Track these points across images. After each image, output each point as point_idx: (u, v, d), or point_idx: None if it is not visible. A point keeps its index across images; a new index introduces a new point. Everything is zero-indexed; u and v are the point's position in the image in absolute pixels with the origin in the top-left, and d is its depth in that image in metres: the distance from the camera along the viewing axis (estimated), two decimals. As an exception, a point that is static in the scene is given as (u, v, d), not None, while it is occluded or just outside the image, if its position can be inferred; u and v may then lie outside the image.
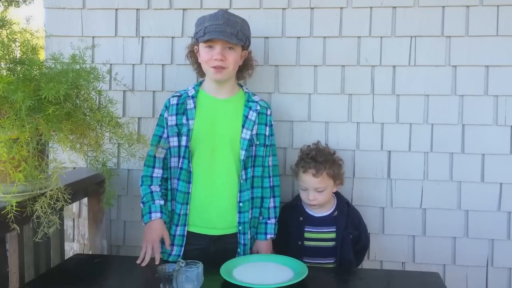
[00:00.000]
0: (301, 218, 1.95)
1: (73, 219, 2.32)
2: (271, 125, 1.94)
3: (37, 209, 1.43)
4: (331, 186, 1.94)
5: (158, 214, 1.82)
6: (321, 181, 1.89)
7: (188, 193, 1.84)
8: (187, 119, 1.84)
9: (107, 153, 1.75)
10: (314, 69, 2.16)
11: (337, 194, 2.02)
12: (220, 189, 1.84)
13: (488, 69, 2.08)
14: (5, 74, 1.49)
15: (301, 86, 2.17)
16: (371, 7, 2.11)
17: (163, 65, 2.23)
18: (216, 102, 1.88)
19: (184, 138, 1.83)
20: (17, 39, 1.56)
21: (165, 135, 1.88)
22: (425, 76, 2.11)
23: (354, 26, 2.13)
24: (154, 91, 2.23)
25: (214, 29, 1.75)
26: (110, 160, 1.81)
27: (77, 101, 1.63)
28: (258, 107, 1.90)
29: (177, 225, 1.85)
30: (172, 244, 1.85)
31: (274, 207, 1.94)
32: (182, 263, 1.45)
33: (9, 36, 1.52)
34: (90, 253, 2.18)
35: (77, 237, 2.32)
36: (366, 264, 2.13)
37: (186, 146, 1.83)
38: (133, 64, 2.24)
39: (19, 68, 1.55)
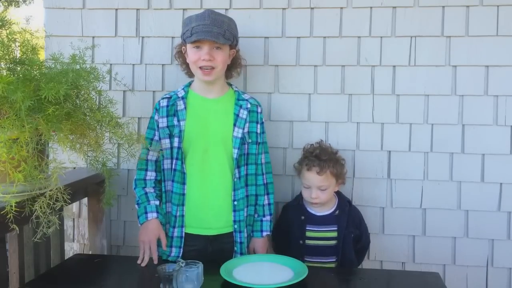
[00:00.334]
0: (302, 217, 1.96)
1: (73, 219, 2.32)
2: (262, 123, 1.94)
3: (36, 209, 1.43)
4: (334, 185, 1.94)
5: (154, 214, 1.82)
6: (324, 179, 1.90)
7: (183, 194, 1.83)
8: (178, 120, 1.84)
9: (107, 153, 1.75)
10: (314, 69, 2.16)
11: (338, 194, 2.03)
12: (214, 188, 1.84)
13: (488, 69, 2.08)
14: (5, 74, 1.49)
15: (301, 86, 2.17)
16: (371, 7, 2.11)
17: (163, 65, 2.23)
18: (207, 102, 1.88)
19: (176, 140, 1.83)
20: (17, 39, 1.56)
21: (156, 138, 1.88)
22: (425, 76, 2.11)
23: (354, 26, 2.13)
24: (154, 91, 2.23)
25: (201, 29, 1.74)
26: (110, 160, 1.80)
27: (77, 101, 1.63)
28: (249, 105, 1.90)
29: (174, 227, 1.85)
30: (170, 246, 1.85)
31: (269, 204, 1.95)
32: (182, 263, 1.46)
33: (9, 36, 1.52)
34: (90, 253, 2.18)
35: (77, 237, 2.32)
36: (366, 264, 2.13)
37: (179, 148, 1.82)
38: (133, 64, 2.24)
39: (19, 68, 1.55)
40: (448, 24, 2.08)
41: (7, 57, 1.52)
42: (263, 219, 1.94)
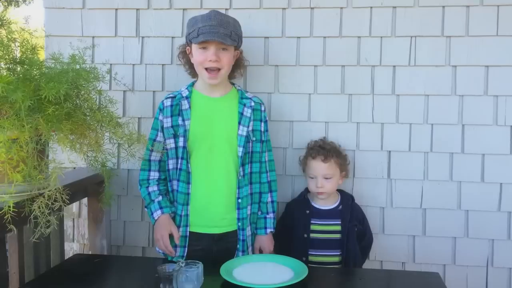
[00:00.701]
0: (307, 211, 1.99)
1: (73, 219, 2.32)
2: (265, 121, 1.96)
3: (34, 209, 1.43)
4: (338, 175, 1.99)
5: (159, 212, 1.85)
6: (329, 167, 1.95)
7: (188, 193, 1.84)
8: (183, 120, 1.84)
9: (106, 153, 1.75)
10: (314, 69, 2.16)
11: (340, 191, 2.07)
12: (219, 187, 1.85)
13: (488, 69, 2.08)
14: (5, 74, 1.49)
15: (301, 86, 2.17)
16: (371, 7, 2.11)
17: (163, 65, 2.23)
18: (211, 101, 1.89)
19: (181, 139, 1.83)
20: (17, 39, 1.56)
21: (159, 138, 1.89)
22: (425, 76, 2.11)
23: (354, 26, 2.13)
24: (154, 91, 2.23)
25: (208, 30, 1.74)
26: (110, 160, 1.80)
27: (77, 101, 1.63)
28: (253, 104, 1.91)
29: (179, 226, 1.86)
30: (175, 246, 1.86)
31: (272, 201, 1.97)
32: (182, 263, 1.45)
33: (9, 36, 1.52)
34: (90, 253, 2.18)
35: (77, 237, 2.32)
36: (366, 264, 2.13)
37: (184, 147, 1.83)
38: (133, 64, 2.24)
39: (19, 68, 1.55)
40: (448, 24, 2.08)
41: (7, 57, 1.52)
42: (267, 216, 1.95)
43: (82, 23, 2.24)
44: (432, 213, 2.15)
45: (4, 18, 1.54)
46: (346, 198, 2.04)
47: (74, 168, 2.17)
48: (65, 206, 1.52)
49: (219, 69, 1.80)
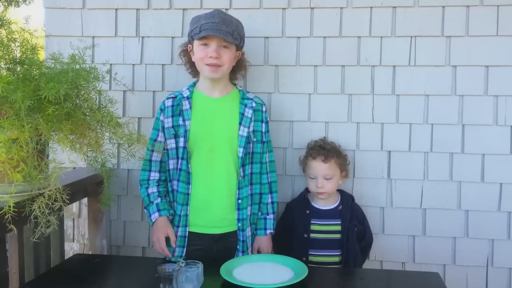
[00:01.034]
0: (307, 211, 1.99)
1: (73, 219, 2.32)
2: (267, 122, 1.96)
3: (34, 209, 1.43)
4: (338, 175, 1.99)
5: (156, 214, 1.85)
6: (329, 168, 1.95)
7: (188, 194, 1.84)
8: (184, 120, 1.84)
9: (106, 153, 1.75)
10: (314, 69, 2.16)
11: (340, 191, 2.07)
12: (219, 187, 1.85)
13: (488, 69, 2.08)
14: (5, 74, 1.49)
15: (301, 86, 2.17)
16: (371, 7, 2.11)
17: (163, 65, 2.23)
18: (212, 101, 1.89)
19: (181, 140, 1.83)
20: (16, 39, 1.56)
21: (160, 138, 1.89)
22: (425, 76, 2.11)
23: (354, 26, 2.13)
24: (154, 91, 2.23)
25: (210, 26, 1.75)
26: (109, 160, 1.80)
27: (77, 101, 1.63)
28: (254, 104, 1.91)
29: (178, 226, 1.86)
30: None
31: (272, 202, 1.96)
32: (182, 263, 1.45)
33: (9, 36, 1.52)
34: (90, 253, 2.18)
35: (77, 237, 2.32)
36: (366, 264, 2.13)
37: (184, 147, 1.83)
38: (133, 64, 2.24)
39: (19, 68, 1.55)
40: (448, 24, 2.08)
41: (7, 57, 1.52)
42: (267, 217, 1.95)
43: (82, 23, 2.24)
44: (432, 213, 2.15)
45: (4, 18, 1.54)
46: (346, 198, 2.04)
47: (74, 168, 2.17)
48: (65, 206, 1.52)
49: (219, 66, 1.80)
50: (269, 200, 1.96)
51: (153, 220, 1.85)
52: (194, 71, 1.94)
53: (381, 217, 2.18)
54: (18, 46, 1.57)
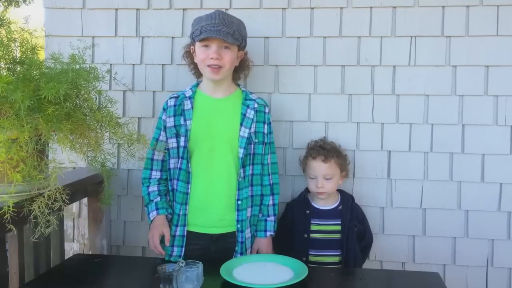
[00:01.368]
0: (307, 211, 1.99)
1: (73, 219, 2.32)
2: (269, 123, 1.95)
3: (34, 209, 1.43)
4: (338, 175, 1.99)
5: (154, 212, 1.86)
6: (329, 168, 1.95)
7: (187, 193, 1.84)
8: (185, 120, 1.84)
9: (105, 153, 1.75)
10: (314, 69, 2.16)
11: (340, 191, 2.07)
12: (219, 188, 1.85)
13: (488, 69, 2.08)
14: (4, 74, 1.49)
15: (301, 86, 2.17)
16: (371, 7, 2.11)
17: (163, 65, 2.23)
18: (213, 102, 1.89)
19: (182, 139, 1.84)
20: (16, 39, 1.56)
21: (162, 138, 1.89)
22: (425, 76, 2.11)
23: (354, 26, 2.13)
24: (154, 91, 2.23)
25: (211, 28, 1.75)
26: (109, 160, 1.80)
27: (77, 101, 1.63)
28: (256, 105, 1.90)
29: (176, 226, 1.86)
30: (172, 245, 1.86)
31: (273, 204, 1.95)
32: (182, 263, 1.45)
33: (9, 36, 1.52)
34: (90, 253, 2.18)
35: (77, 237, 2.32)
36: (366, 264, 2.13)
37: (185, 147, 1.83)
38: (133, 64, 2.24)
39: (18, 68, 1.55)
40: (448, 24, 2.08)
41: (7, 57, 1.52)
42: (268, 219, 1.94)
43: (82, 23, 2.24)
44: (432, 213, 2.15)
45: (4, 18, 1.54)
46: (346, 198, 2.04)
47: (74, 168, 2.18)
48: (65, 206, 1.52)
49: (220, 67, 1.80)
50: (270, 202, 1.95)
51: (151, 218, 1.86)
52: (198, 72, 1.94)
53: (381, 217, 2.18)
54: (18, 46, 1.57)
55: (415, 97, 2.12)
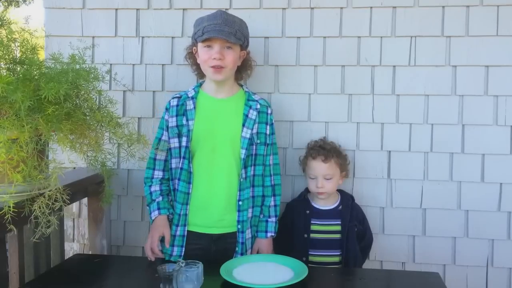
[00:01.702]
0: (307, 211, 1.99)
1: (73, 219, 2.32)
2: (271, 124, 1.95)
3: (35, 209, 1.43)
4: (338, 175, 2.00)
5: (156, 212, 1.86)
6: (329, 167, 1.96)
7: (188, 193, 1.84)
8: (187, 120, 1.84)
9: (106, 153, 1.75)
10: (314, 69, 2.16)
11: (340, 191, 2.07)
12: (220, 188, 1.84)
13: (488, 69, 2.08)
14: (4, 74, 1.49)
15: (301, 86, 2.17)
16: (371, 7, 2.11)
17: (163, 65, 2.23)
18: (216, 102, 1.89)
19: (184, 139, 1.84)
20: (16, 39, 1.56)
21: (165, 138, 1.89)
22: (425, 76, 2.11)
23: (354, 26, 2.13)
24: (154, 91, 2.23)
25: (213, 28, 1.75)
26: (109, 160, 1.81)
27: (77, 101, 1.63)
28: (258, 106, 1.90)
29: (177, 225, 1.86)
30: (172, 245, 1.85)
31: (275, 205, 1.95)
32: (182, 263, 1.45)
33: (9, 36, 1.52)
34: (90, 253, 2.18)
35: (77, 237, 2.32)
36: (366, 264, 2.13)
37: (186, 147, 1.83)
38: (133, 64, 2.24)
39: (19, 68, 1.55)
40: (448, 24, 2.08)
41: (7, 57, 1.52)
42: (269, 220, 1.94)
43: (82, 23, 2.24)
44: (432, 213, 2.15)
45: (4, 18, 1.54)
46: (346, 198, 2.04)
47: (74, 168, 2.18)
48: (65, 206, 1.52)
49: (222, 67, 1.80)
50: (272, 203, 1.94)
51: (153, 218, 1.86)
52: (200, 73, 1.94)
53: (381, 217, 2.18)
54: (18, 46, 1.57)
55: (415, 97, 2.12)
